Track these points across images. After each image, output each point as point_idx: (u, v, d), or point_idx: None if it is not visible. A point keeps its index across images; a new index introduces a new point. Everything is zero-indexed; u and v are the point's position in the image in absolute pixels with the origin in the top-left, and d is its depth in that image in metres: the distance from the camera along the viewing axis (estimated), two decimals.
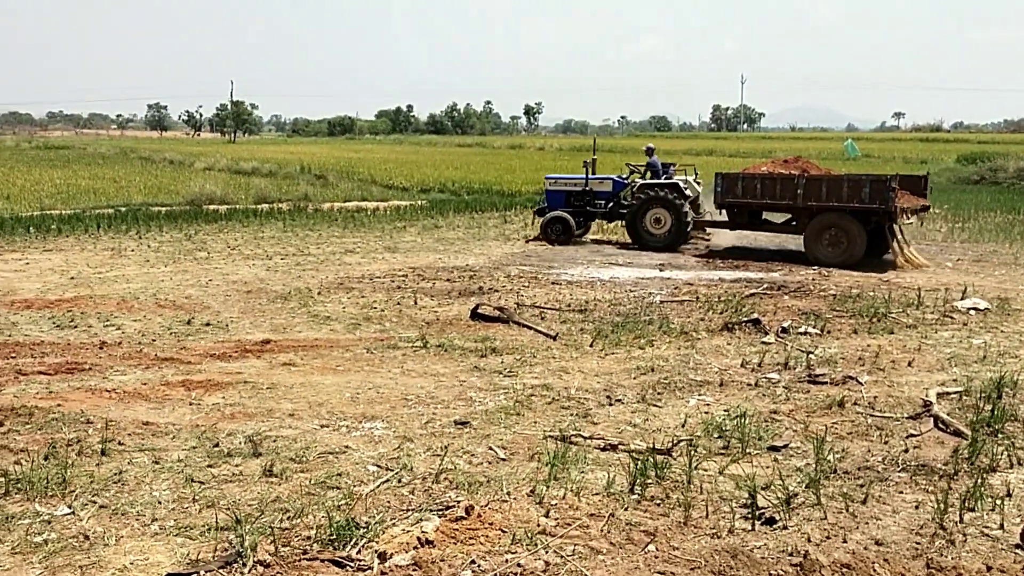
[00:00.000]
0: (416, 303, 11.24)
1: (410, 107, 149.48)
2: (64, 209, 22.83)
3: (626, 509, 4.97)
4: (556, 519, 4.79)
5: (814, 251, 15.10)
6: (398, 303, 11.26)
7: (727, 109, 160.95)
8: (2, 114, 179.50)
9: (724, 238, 17.55)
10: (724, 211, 16.40)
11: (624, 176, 18.31)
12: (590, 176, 18.22)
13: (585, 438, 6.14)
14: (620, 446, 6.00)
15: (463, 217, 22.44)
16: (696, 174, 18.12)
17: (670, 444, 5.94)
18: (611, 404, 7.03)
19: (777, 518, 4.85)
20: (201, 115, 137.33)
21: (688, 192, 17.03)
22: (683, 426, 6.47)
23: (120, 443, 5.97)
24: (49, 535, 4.58)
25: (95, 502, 5.01)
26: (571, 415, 6.73)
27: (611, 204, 18.03)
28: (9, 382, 7.46)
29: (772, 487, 5.25)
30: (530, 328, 9.63)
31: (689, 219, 16.81)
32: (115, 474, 5.42)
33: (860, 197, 14.60)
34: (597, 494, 5.18)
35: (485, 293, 11.98)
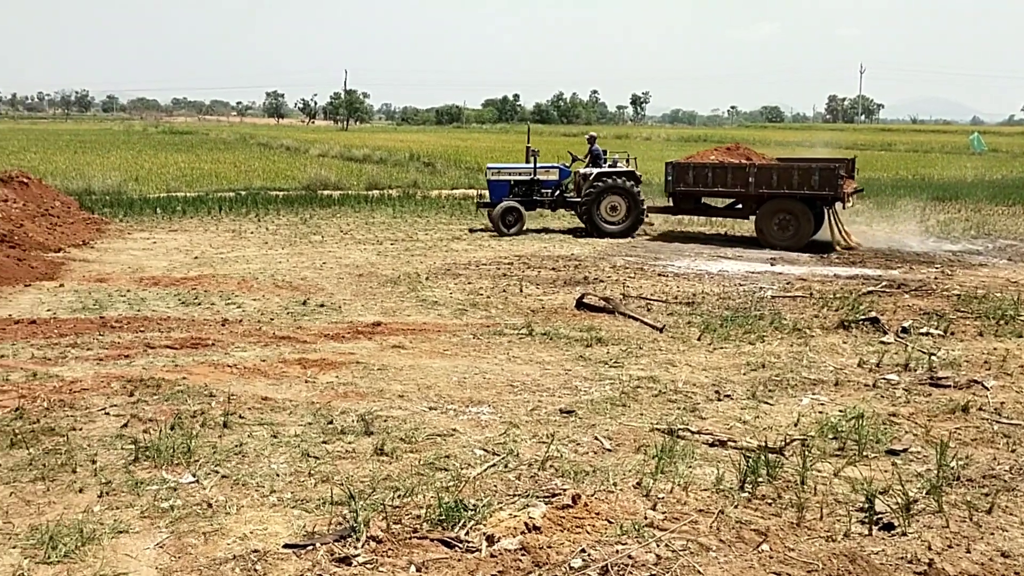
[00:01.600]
0: (521, 291, 11.30)
1: (516, 96, 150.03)
2: (188, 191, 23.93)
3: (736, 507, 4.87)
4: (664, 513, 4.74)
5: (766, 234, 15.95)
6: (504, 290, 11.34)
7: (844, 100, 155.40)
8: (131, 100, 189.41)
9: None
10: (670, 197, 17.10)
11: (567, 165, 18.02)
12: (537, 165, 17.62)
13: (693, 433, 6.06)
14: (729, 443, 5.88)
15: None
16: (634, 161, 17.95)
17: (782, 443, 5.78)
18: (719, 399, 6.90)
19: (896, 524, 4.66)
20: (316, 103, 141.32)
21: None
22: (796, 425, 6.30)
23: (241, 416, 6.23)
24: (175, 501, 4.82)
25: (217, 472, 5.24)
26: (678, 409, 6.64)
27: (556, 193, 17.67)
28: (138, 354, 7.89)
29: (890, 492, 5.05)
30: (636, 319, 9.55)
31: (644, 206, 17.01)
32: (236, 446, 5.66)
33: (810, 184, 15.49)
34: (706, 490, 5.10)
35: (590, 283, 11.93)
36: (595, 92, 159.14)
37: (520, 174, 17.61)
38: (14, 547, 4.23)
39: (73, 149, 41.02)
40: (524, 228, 17.17)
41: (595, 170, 17.00)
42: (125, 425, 6.00)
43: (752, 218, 16.50)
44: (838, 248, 15.64)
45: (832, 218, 15.92)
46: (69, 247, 14.09)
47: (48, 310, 9.70)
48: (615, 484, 5.13)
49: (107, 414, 6.24)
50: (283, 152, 45.33)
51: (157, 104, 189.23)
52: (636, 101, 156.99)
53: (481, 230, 17.60)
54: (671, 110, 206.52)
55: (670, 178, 16.42)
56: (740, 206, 16.83)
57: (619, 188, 16.71)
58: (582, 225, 17.44)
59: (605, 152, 17.75)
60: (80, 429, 5.91)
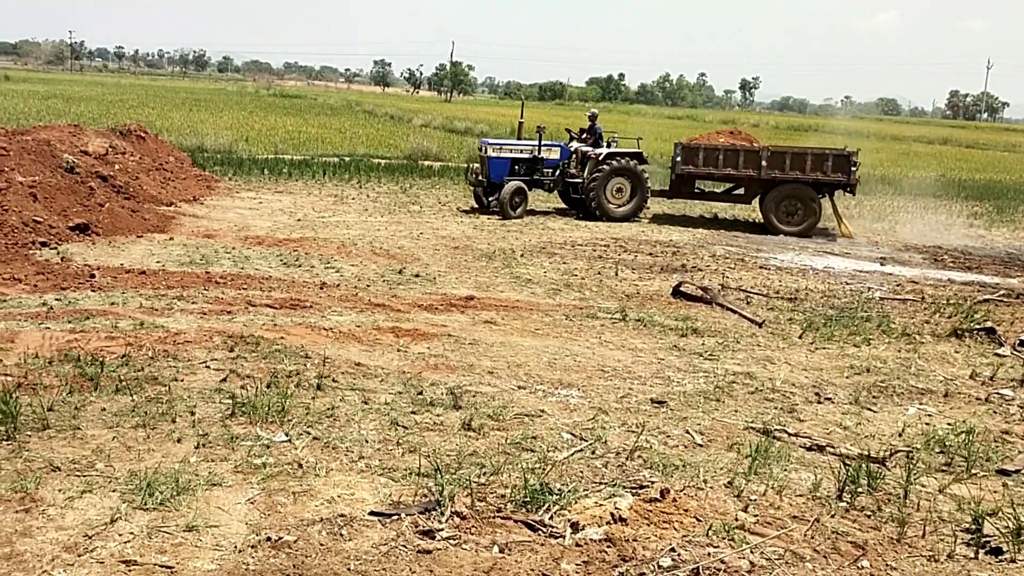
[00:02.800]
0: (617, 274, 11.14)
1: (621, 75, 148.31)
2: (294, 154, 24.49)
3: (833, 516, 4.67)
4: (755, 516, 4.57)
5: (773, 221, 15.86)
6: (598, 272, 11.20)
7: (966, 96, 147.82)
8: (245, 62, 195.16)
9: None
10: (674, 179, 16.70)
11: (566, 143, 17.01)
12: (541, 143, 16.33)
13: (789, 435, 5.83)
14: (828, 448, 5.65)
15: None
16: (639, 143, 17.32)
17: (885, 453, 5.51)
18: (819, 402, 6.64)
19: (1005, 550, 4.38)
20: (421, 73, 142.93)
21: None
22: (900, 435, 6.00)
23: (334, 380, 6.31)
24: (267, 459, 4.91)
25: (309, 433, 5.32)
26: (775, 408, 6.41)
27: (557, 173, 16.53)
28: (240, 311, 8.09)
29: (1000, 515, 4.75)
30: (735, 312, 9.28)
31: (649, 189, 16.41)
32: (328, 409, 5.74)
33: (823, 169, 15.43)
34: (801, 496, 4.90)
35: (688, 271, 11.67)
36: (703, 75, 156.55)
37: (522, 151, 16.23)
38: (113, 490, 4.38)
39: (188, 107, 42.51)
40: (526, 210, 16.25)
41: (603, 150, 16.21)
42: (224, 380, 6.16)
43: (754, 203, 16.59)
44: (843, 236, 15.92)
45: (835, 207, 16.14)
46: (180, 202, 14.59)
47: (158, 262, 10.06)
48: (705, 481, 4.98)
49: (208, 367, 6.43)
50: (387, 120, 45.96)
51: (269, 67, 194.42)
52: (745, 86, 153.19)
53: (471, 211, 16.33)
54: (781, 97, 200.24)
55: (678, 159, 15.99)
56: (742, 191, 16.61)
57: (627, 170, 15.93)
58: (564, 205, 17.12)
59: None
60: (181, 380, 6.09)
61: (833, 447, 5.67)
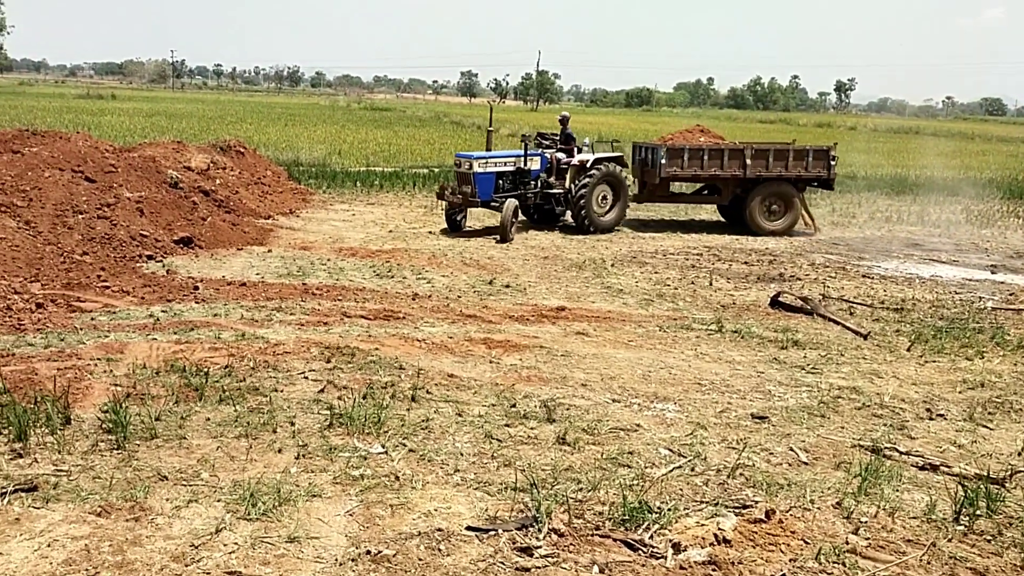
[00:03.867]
0: (711, 284, 10.89)
1: (711, 80, 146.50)
2: (385, 166, 24.90)
3: (950, 540, 4.41)
4: (867, 539, 4.35)
5: (758, 220, 15.54)
6: (692, 282, 10.98)
7: None
8: (337, 76, 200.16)
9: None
10: (660, 182, 15.74)
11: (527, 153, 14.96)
12: (527, 153, 14.68)
13: (900, 453, 5.56)
14: (942, 467, 5.35)
15: None
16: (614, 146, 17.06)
17: (1005, 473, 5.20)
18: (931, 418, 6.32)
19: None
20: (507, 83, 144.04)
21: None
22: (1020, 454, 5.65)
23: (428, 392, 6.33)
24: (364, 471, 4.94)
25: (405, 445, 5.34)
26: (884, 425, 6.13)
27: (540, 185, 15.09)
28: (336, 322, 8.22)
29: None
30: (837, 323, 8.94)
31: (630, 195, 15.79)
32: (423, 421, 5.75)
33: (804, 166, 15.35)
34: (915, 518, 4.65)
35: (786, 280, 11.33)
36: (795, 77, 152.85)
37: (507, 164, 14.51)
38: (218, 500, 4.47)
39: (284, 122, 43.73)
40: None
41: (587, 155, 15.07)
42: (322, 390, 6.25)
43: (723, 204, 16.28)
44: (813, 231, 15.92)
45: (804, 203, 15.98)
46: (277, 215, 14.98)
47: (257, 274, 10.33)
48: (812, 501, 4.78)
49: (306, 378, 6.53)
50: (475, 131, 46.29)
51: (360, 81, 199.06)
52: (840, 88, 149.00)
53: (451, 233, 14.37)
54: (878, 99, 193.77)
55: (663, 161, 15.10)
56: (720, 191, 15.96)
57: (612, 176, 14.84)
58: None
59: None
60: (281, 391, 6.21)
61: (948, 466, 5.38)
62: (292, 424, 5.57)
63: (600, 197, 14.79)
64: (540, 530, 4.23)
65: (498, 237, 13.60)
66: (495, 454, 5.26)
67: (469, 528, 4.27)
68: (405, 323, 8.37)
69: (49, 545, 3.93)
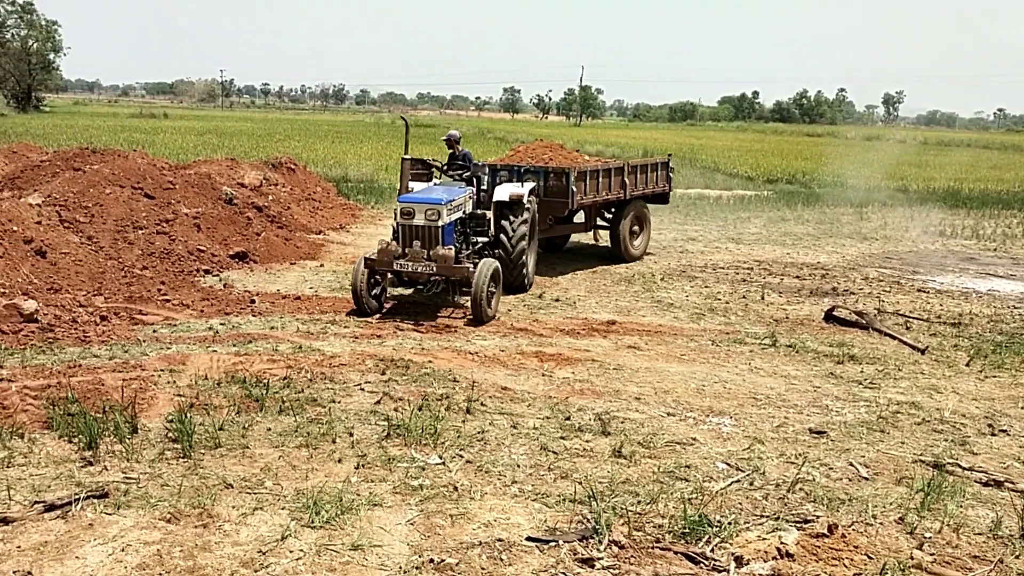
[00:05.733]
0: (763, 298, 10.81)
1: (755, 93, 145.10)
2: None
3: (1017, 557, 4.33)
4: (932, 555, 4.29)
5: (628, 245, 13.51)
6: (743, 296, 10.90)
7: None
8: (381, 94, 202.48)
9: None
10: (569, 215, 13.26)
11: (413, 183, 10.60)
12: (479, 186, 10.80)
13: (963, 468, 5.47)
14: (1007, 483, 5.26)
15: (813, 211, 21.24)
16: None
17: None
18: (993, 434, 6.20)
19: None
20: (550, 99, 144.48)
21: None
22: None
23: (482, 404, 6.38)
24: (423, 481, 4.99)
25: (462, 456, 5.38)
26: (945, 440, 6.03)
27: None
28: (389, 335, 8.32)
29: None
30: (894, 337, 8.81)
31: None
32: (478, 432, 5.79)
33: (656, 181, 14.06)
34: (980, 534, 4.57)
35: (840, 294, 11.20)
36: (842, 90, 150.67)
37: (459, 206, 9.79)
38: (282, 508, 4.56)
39: (331, 139, 44.35)
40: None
41: (515, 187, 10.92)
42: (378, 402, 6.33)
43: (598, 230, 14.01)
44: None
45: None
46: (328, 230, 15.20)
47: (310, 287, 10.50)
48: (874, 517, 4.72)
49: (362, 390, 6.63)
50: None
51: (404, 98, 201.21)
52: (888, 101, 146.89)
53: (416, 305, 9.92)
54: (927, 111, 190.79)
55: (573, 189, 11.69)
56: (609, 215, 13.73)
57: (534, 212, 11.09)
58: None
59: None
60: (339, 402, 6.30)
61: (1012, 483, 5.28)
62: (351, 434, 5.65)
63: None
64: (600, 542, 4.24)
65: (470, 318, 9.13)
66: (551, 466, 5.28)
67: (529, 539, 4.30)
68: (457, 336, 8.44)
69: (123, 550, 4.04)
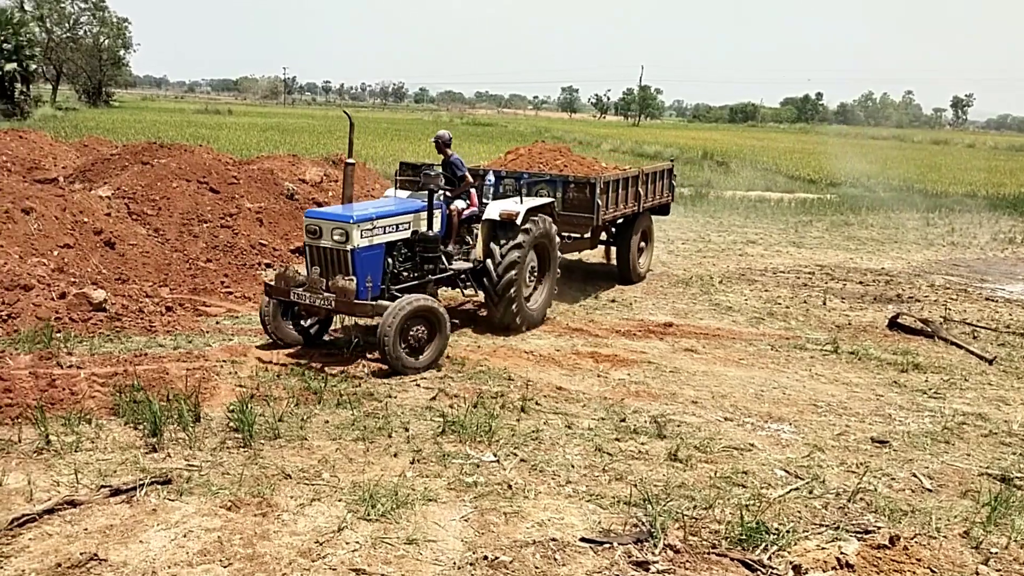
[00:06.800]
0: (825, 303, 10.60)
1: (819, 95, 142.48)
2: None
3: None
4: (998, 571, 4.17)
5: (637, 264, 11.70)
6: (804, 301, 10.71)
7: None
8: (440, 93, 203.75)
9: None
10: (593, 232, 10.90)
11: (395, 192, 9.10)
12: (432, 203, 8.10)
13: None
14: None
15: (877, 215, 20.76)
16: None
17: None
18: None
19: None
20: (608, 98, 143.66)
21: None
22: None
23: (537, 403, 6.37)
24: (478, 478, 5.01)
25: (516, 455, 5.39)
26: (1013, 454, 5.84)
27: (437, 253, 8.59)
28: None
29: None
30: (960, 347, 8.57)
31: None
32: (533, 431, 5.79)
33: (662, 191, 12.45)
34: None
35: (904, 301, 10.93)
36: (909, 92, 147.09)
37: (398, 227, 7.84)
38: (339, 500, 4.61)
39: (390, 136, 44.79)
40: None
41: (512, 204, 8.78)
42: (434, 398, 6.37)
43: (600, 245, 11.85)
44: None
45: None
46: None
47: None
48: (938, 530, 4.60)
49: (418, 385, 6.68)
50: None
51: (462, 97, 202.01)
52: (957, 104, 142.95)
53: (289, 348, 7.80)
54: (997, 115, 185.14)
55: (599, 202, 9.89)
56: (615, 230, 11.71)
57: (545, 237, 8.90)
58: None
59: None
60: (395, 397, 6.36)
61: None
62: (406, 429, 5.69)
63: (529, 273, 8.88)
64: (655, 545, 4.21)
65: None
66: (606, 467, 5.25)
67: (583, 540, 4.28)
68: (512, 334, 8.44)
69: (185, 536, 4.13)
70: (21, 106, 40.23)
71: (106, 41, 62.97)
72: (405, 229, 7.83)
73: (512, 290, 8.36)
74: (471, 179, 8.91)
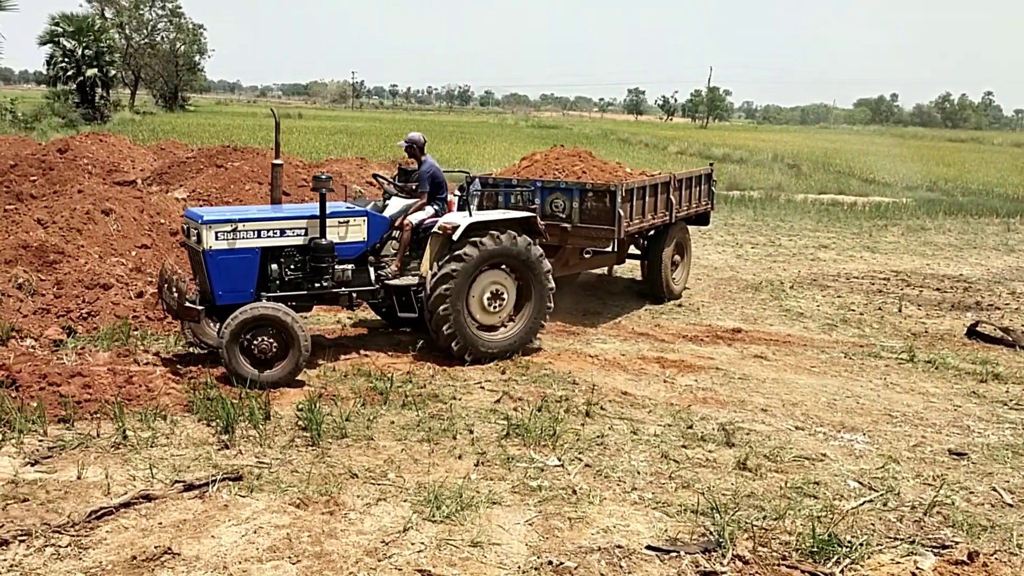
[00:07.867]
0: (900, 310, 10.29)
1: (894, 96, 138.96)
2: None
3: None
4: None
5: (670, 280, 10.45)
6: (879, 308, 10.41)
7: None
8: (505, 95, 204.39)
9: None
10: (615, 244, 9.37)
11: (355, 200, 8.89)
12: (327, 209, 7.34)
13: None
14: None
15: (955, 220, 20.09)
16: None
17: None
18: None
19: None
20: (675, 100, 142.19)
21: None
22: None
23: (602, 408, 6.33)
24: (542, 482, 4.99)
25: (580, 459, 5.35)
26: None
27: (367, 267, 7.85)
28: None
29: None
30: None
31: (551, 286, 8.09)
32: (598, 436, 5.75)
33: (699, 198, 11.22)
34: None
35: (983, 309, 10.55)
36: (989, 94, 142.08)
37: (284, 232, 7.18)
38: (404, 500, 4.65)
39: (455, 139, 45.09)
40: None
41: (456, 216, 7.75)
42: (498, 401, 6.38)
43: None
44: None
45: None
46: None
47: None
48: (1019, 546, 4.42)
49: (482, 388, 6.70)
50: (642, 148, 46.04)
51: (527, 99, 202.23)
52: None
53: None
54: None
55: (620, 212, 8.92)
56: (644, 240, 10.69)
57: (511, 256, 7.70)
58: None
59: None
60: (459, 399, 6.39)
61: None
62: (471, 432, 5.71)
63: (485, 297, 7.65)
64: (724, 555, 4.13)
65: None
66: (672, 475, 5.19)
67: (649, 547, 4.23)
68: (577, 338, 8.41)
69: (255, 532, 4.21)
70: (101, 110, 41.71)
71: (182, 47, 64.80)
72: (297, 235, 7.16)
73: (442, 308, 7.30)
74: (447, 187, 8.14)
